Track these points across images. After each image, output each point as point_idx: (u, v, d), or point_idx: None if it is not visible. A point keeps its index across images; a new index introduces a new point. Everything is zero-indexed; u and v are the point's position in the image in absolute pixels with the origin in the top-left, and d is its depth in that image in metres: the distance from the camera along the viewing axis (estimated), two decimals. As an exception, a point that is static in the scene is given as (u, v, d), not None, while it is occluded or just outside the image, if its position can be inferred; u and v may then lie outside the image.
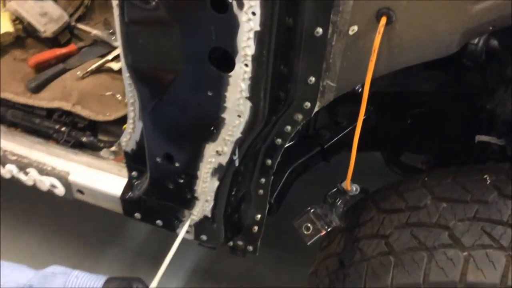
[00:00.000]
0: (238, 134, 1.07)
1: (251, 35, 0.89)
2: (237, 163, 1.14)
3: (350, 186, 1.17)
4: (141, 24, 0.96)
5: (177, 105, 1.08)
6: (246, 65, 0.93)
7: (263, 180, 1.27)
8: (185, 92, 1.04)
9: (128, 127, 1.25)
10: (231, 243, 1.46)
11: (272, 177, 1.27)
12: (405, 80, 1.57)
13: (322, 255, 1.31)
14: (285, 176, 1.47)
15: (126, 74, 1.13)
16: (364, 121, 1.67)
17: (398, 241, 1.08)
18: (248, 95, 0.98)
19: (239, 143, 1.09)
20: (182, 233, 1.31)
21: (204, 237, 1.37)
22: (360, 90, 1.60)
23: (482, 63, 1.51)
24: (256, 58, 0.92)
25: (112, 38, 1.68)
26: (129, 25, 0.97)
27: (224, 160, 1.13)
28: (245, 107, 1.00)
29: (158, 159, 1.21)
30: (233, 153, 1.11)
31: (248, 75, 0.94)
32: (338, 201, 1.18)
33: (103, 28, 1.77)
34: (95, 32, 1.70)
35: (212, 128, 1.08)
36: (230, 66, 0.96)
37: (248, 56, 0.92)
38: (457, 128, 1.53)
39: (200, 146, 1.13)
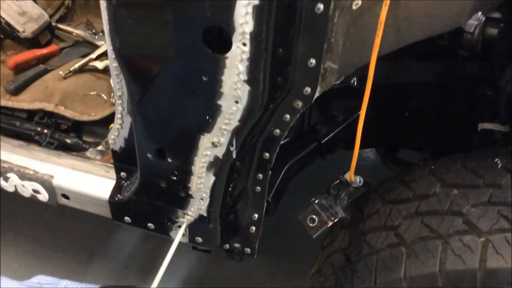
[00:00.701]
0: (235, 123, 1.00)
1: (250, 9, 0.83)
2: (234, 155, 1.07)
3: (354, 177, 1.12)
4: (130, 4, 0.90)
5: (169, 94, 1.01)
6: (244, 44, 0.87)
7: (260, 175, 1.20)
8: (177, 78, 0.97)
9: (116, 122, 1.17)
10: (227, 246, 1.38)
11: (270, 172, 1.20)
12: (401, 71, 1.53)
13: (325, 253, 1.25)
14: (282, 174, 1.41)
15: (113, 64, 1.06)
16: (359, 117, 1.63)
17: (408, 231, 1.02)
18: (246, 78, 0.91)
19: (236, 133, 1.02)
20: (179, 235, 1.23)
21: (199, 239, 1.30)
22: (355, 84, 1.56)
23: (479, 52, 1.48)
24: (254, 36, 0.86)
25: (96, 38, 1.61)
26: (117, 7, 0.91)
27: (220, 152, 1.06)
28: (243, 92, 0.94)
29: (149, 155, 1.13)
30: (230, 144, 1.04)
31: (246, 56, 0.88)
32: (342, 193, 1.12)
33: (85, 29, 1.70)
34: (77, 31, 1.63)
35: (207, 118, 1.01)
36: (226, 47, 0.89)
37: (246, 33, 0.85)
38: (457, 118, 1.48)
39: (194, 139, 1.06)
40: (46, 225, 2.19)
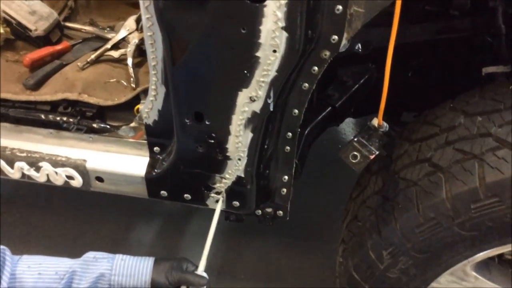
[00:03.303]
0: (273, 73, 1.06)
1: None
2: (271, 108, 1.13)
3: (382, 121, 1.19)
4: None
5: (208, 53, 1.06)
6: (283, -12, 0.93)
7: (290, 134, 1.25)
8: (217, 35, 1.02)
9: (149, 94, 1.22)
10: (259, 212, 1.43)
11: (299, 130, 1.26)
12: (401, 33, 1.61)
13: (358, 201, 1.31)
14: (303, 138, 1.47)
15: (148, 33, 1.11)
16: (366, 81, 1.71)
17: (442, 159, 1.09)
18: (284, 24, 0.97)
19: (273, 83, 1.08)
20: (221, 200, 1.28)
21: (236, 203, 1.34)
22: (359, 50, 1.64)
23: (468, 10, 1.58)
24: (291, -19, 0.92)
25: (105, 32, 1.66)
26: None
27: (258, 106, 1.12)
28: (281, 39, 1.00)
29: (187, 121, 1.18)
30: (267, 96, 1.10)
31: (284, 1, 0.94)
32: (373, 137, 1.18)
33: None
34: (86, 28, 1.68)
35: (245, 72, 1.06)
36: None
37: (283, -21, 0.92)
38: (458, 70, 1.57)
39: (232, 96, 1.11)
40: (62, 232, 2.19)
